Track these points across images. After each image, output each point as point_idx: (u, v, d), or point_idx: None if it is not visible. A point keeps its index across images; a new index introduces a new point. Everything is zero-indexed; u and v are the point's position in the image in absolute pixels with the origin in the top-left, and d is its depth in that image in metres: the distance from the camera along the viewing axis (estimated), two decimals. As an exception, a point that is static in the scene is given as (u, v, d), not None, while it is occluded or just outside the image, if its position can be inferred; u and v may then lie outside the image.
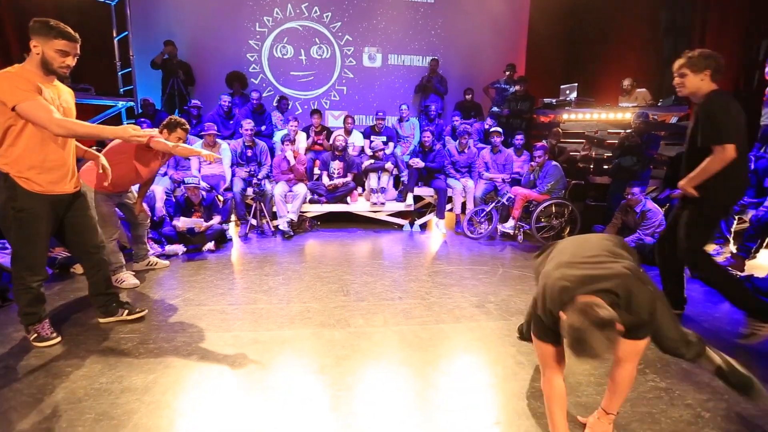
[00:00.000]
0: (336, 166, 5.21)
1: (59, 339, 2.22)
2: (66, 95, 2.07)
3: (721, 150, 2.18)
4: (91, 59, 6.09)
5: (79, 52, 1.95)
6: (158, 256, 3.73)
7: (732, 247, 4.08)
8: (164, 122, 2.98)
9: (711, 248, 4.21)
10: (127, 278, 3.08)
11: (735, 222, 4.13)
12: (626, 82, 5.95)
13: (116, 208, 3.17)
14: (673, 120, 5.89)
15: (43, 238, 2.07)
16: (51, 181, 2.01)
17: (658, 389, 1.91)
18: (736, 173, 2.25)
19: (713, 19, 5.97)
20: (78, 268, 3.35)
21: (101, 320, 2.44)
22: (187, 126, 3.04)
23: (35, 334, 2.18)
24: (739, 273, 3.34)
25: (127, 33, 5.65)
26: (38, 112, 1.80)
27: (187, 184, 4.15)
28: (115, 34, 5.77)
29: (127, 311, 2.48)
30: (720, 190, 2.28)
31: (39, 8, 5.77)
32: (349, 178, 5.21)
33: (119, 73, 5.86)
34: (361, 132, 6.06)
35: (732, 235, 4.14)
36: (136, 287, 3.06)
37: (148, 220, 3.95)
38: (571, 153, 5.62)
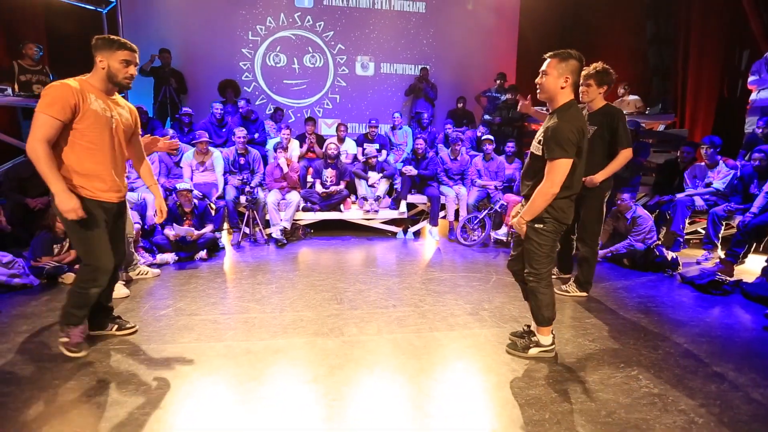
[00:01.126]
0: (329, 174, 5.21)
1: (84, 354, 2.15)
2: (123, 110, 2.16)
3: (627, 152, 2.98)
4: (82, 67, 6.09)
5: (138, 61, 2.09)
6: (149, 265, 3.67)
7: (720, 253, 4.14)
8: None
9: (700, 254, 4.29)
10: (116, 288, 3.02)
11: (723, 228, 4.20)
12: (620, 89, 6.07)
13: None
14: (661, 128, 6.01)
15: (103, 243, 2.09)
16: (100, 189, 2.06)
17: (651, 395, 1.92)
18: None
19: (696, 30, 6.13)
20: (67, 279, 3.29)
21: (90, 331, 2.39)
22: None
23: (66, 338, 2.15)
24: (728, 278, 3.39)
25: (118, 41, 5.64)
26: (36, 124, 1.86)
27: (179, 189, 4.11)
28: (106, 42, 5.76)
29: (117, 326, 2.42)
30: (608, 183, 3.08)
31: (30, 16, 5.74)
32: (342, 185, 5.21)
33: (110, 81, 5.84)
34: (354, 140, 6.08)
35: (720, 240, 4.21)
36: (127, 297, 3.01)
37: (137, 228, 3.91)
38: None
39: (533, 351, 2.24)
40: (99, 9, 5.67)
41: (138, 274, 3.42)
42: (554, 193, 1.99)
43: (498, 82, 6.77)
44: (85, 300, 2.12)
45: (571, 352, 2.32)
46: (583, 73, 2.79)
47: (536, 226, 2.11)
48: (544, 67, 2.08)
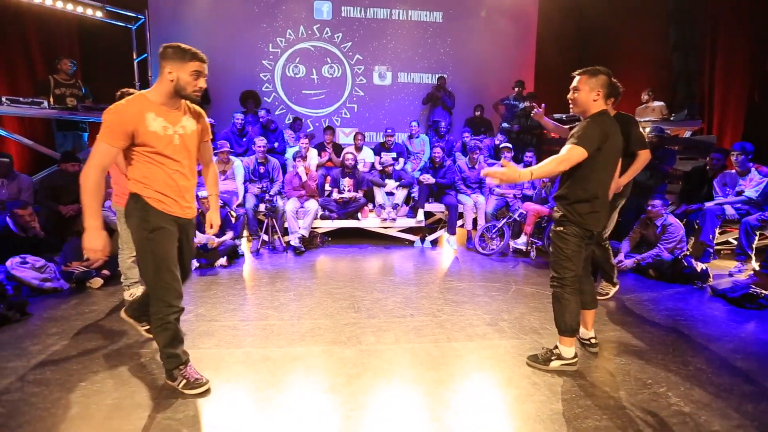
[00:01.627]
0: (346, 182, 5.25)
1: (209, 384, 1.97)
2: (188, 120, 1.98)
3: (646, 153, 2.93)
4: (112, 80, 6.37)
5: (207, 73, 1.94)
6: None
7: (755, 264, 3.96)
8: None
9: (731, 265, 4.10)
10: (140, 293, 3.11)
11: (756, 238, 4.02)
12: (645, 95, 5.93)
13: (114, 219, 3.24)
14: (687, 134, 5.83)
15: (175, 262, 1.95)
16: (174, 204, 1.95)
17: (681, 414, 1.84)
18: None
19: (723, 34, 5.96)
20: (94, 283, 3.40)
21: (127, 316, 2.33)
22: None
23: (183, 380, 1.94)
24: (764, 291, 3.23)
25: (146, 55, 5.87)
26: (93, 153, 1.79)
27: (201, 197, 4.22)
28: (135, 57, 6.00)
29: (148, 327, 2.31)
30: None
31: (65, 33, 6.06)
32: (359, 193, 5.24)
33: (138, 94, 6.10)
34: (372, 149, 6.12)
35: (754, 251, 4.02)
36: None
37: None
38: None
39: (555, 363, 2.19)
40: (129, 25, 5.94)
41: None
42: (556, 170, 2.06)
43: (516, 89, 6.72)
44: (172, 332, 1.94)
45: (595, 366, 2.25)
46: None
47: (557, 229, 2.15)
48: (574, 84, 2.17)
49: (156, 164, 1.89)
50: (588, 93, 2.12)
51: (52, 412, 1.78)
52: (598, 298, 2.78)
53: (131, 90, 2.70)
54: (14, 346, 2.37)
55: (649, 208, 3.96)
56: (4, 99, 4.44)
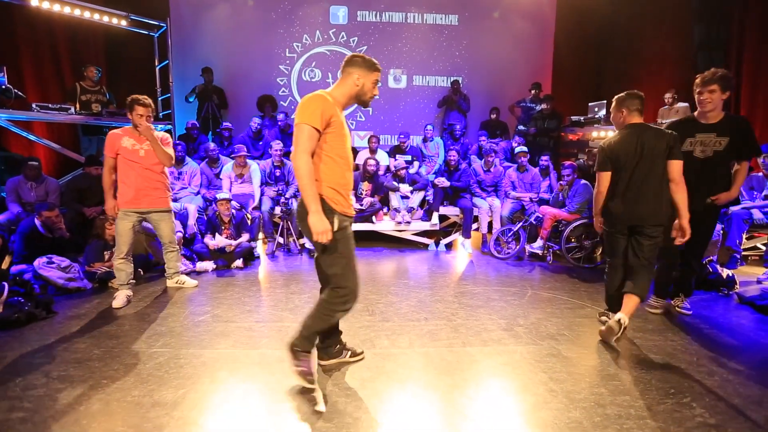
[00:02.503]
0: (365, 186, 5.27)
1: (317, 388, 1.95)
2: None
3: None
4: (134, 86, 6.56)
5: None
6: (188, 273, 3.85)
7: (784, 271, 3.80)
8: (126, 105, 3.19)
9: (760, 271, 3.94)
10: (119, 296, 3.13)
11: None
12: (668, 95, 5.78)
13: (147, 225, 3.46)
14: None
15: (356, 264, 2.00)
16: (346, 202, 1.98)
17: (707, 426, 1.77)
18: None
19: (752, 33, 5.76)
20: (115, 283, 3.50)
21: (322, 362, 2.23)
22: (144, 99, 3.16)
23: (303, 368, 1.94)
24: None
25: (167, 62, 6.04)
26: (299, 138, 1.80)
27: (219, 199, 4.30)
28: (156, 63, 6.18)
29: (350, 353, 2.29)
30: None
31: (92, 41, 6.29)
32: (375, 198, 5.24)
33: (159, 99, 6.25)
34: (387, 152, 6.13)
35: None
36: (119, 308, 3.03)
37: (179, 236, 4.10)
38: None
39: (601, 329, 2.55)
40: (151, 33, 6.12)
41: (176, 283, 3.57)
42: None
43: (533, 92, 6.64)
44: (329, 325, 1.99)
45: (614, 374, 2.19)
46: (699, 80, 2.67)
47: None
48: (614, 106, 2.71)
49: (335, 162, 1.90)
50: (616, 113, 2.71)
51: (75, 407, 1.84)
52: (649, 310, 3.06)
53: (140, 97, 3.13)
54: (40, 343, 2.46)
55: None
56: (34, 106, 4.63)
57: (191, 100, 6.43)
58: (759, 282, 3.77)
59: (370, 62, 1.94)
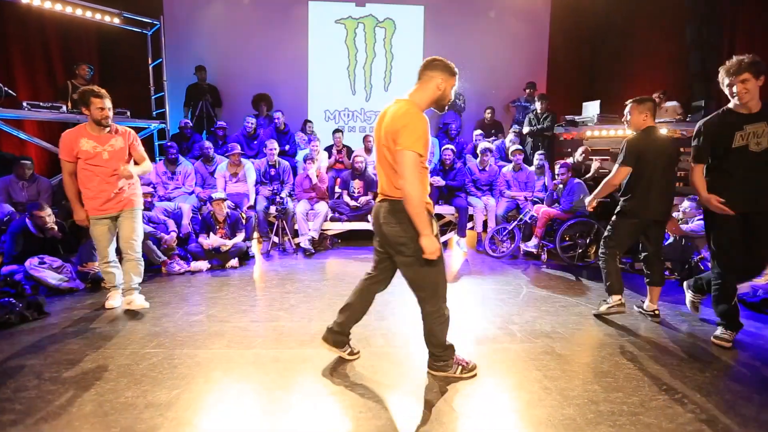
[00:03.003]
0: (356, 184, 5.27)
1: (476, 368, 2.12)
2: None
3: None
4: (128, 85, 6.51)
5: None
6: (183, 273, 3.83)
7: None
8: (78, 101, 2.78)
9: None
10: (112, 296, 3.00)
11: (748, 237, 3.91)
12: (656, 95, 5.83)
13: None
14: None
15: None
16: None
17: (698, 421, 1.79)
18: None
19: (742, 33, 5.82)
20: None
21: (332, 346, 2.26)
22: (99, 90, 2.74)
23: (459, 367, 2.09)
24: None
25: (161, 60, 5.98)
26: (410, 167, 1.80)
27: (214, 198, 4.28)
28: (150, 61, 6.12)
29: (350, 351, 2.29)
30: None
31: (83, 38, 6.22)
32: (370, 196, 5.24)
33: (152, 97, 6.19)
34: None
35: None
36: (113, 309, 2.94)
37: (173, 236, 4.07)
38: (601, 170, 5.48)
39: (603, 307, 2.92)
40: (144, 31, 6.06)
41: (127, 304, 2.95)
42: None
43: (528, 91, 6.67)
44: (448, 324, 2.04)
45: (607, 371, 2.21)
46: (725, 72, 2.45)
47: None
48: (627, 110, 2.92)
49: (424, 173, 1.92)
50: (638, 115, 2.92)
51: (67, 409, 1.82)
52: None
53: (94, 87, 2.70)
54: (32, 344, 2.43)
55: (684, 210, 3.97)
56: (25, 104, 4.57)
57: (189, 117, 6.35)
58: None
59: (451, 67, 1.95)
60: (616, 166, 2.85)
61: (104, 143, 2.78)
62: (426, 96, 1.94)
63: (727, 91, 2.48)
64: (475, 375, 2.12)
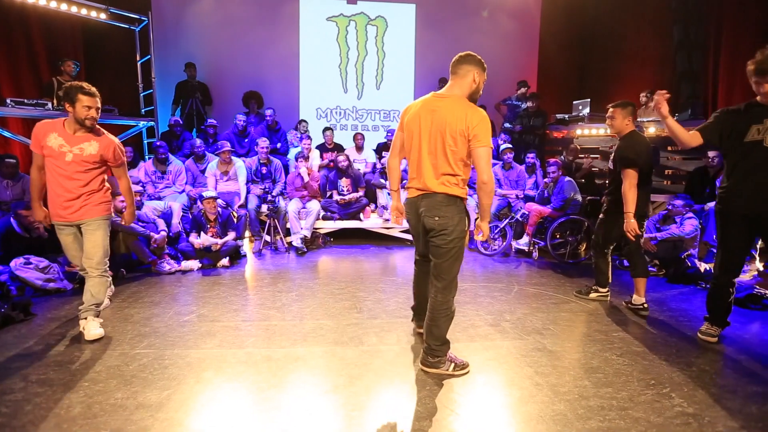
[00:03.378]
0: (344, 183, 5.25)
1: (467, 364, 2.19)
2: None
3: None
4: (115, 82, 6.39)
5: None
6: (173, 273, 3.78)
7: (759, 265, 3.93)
8: (63, 96, 2.44)
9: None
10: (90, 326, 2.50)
11: (760, 239, 4.00)
12: (642, 96, 5.91)
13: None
14: (691, 134, 5.79)
15: None
16: None
17: (685, 415, 1.83)
18: None
19: (728, 33, 5.92)
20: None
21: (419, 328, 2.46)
22: (89, 88, 2.43)
23: (452, 364, 2.14)
24: (767, 292, 3.21)
25: (149, 56, 5.89)
26: (487, 160, 1.96)
27: (205, 197, 4.23)
28: (138, 58, 6.02)
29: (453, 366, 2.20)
30: None
31: (69, 35, 6.09)
32: (360, 193, 5.24)
33: (141, 95, 6.10)
34: (374, 149, 6.12)
35: (758, 252, 4.00)
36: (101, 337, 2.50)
37: (163, 235, 4.02)
38: (593, 168, 5.56)
39: (593, 295, 3.24)
40: (132, 27, 5.96)
41: (81, 328, 2.54)
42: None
43: (519, 90, 6.71)
44: (448, 323, 2.14)
45: (597, 366, 2.24)
46: (754, 67, 2.33)
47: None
48: (610, 113, 3.00)
49: (469, 165, 2.09)
50: (622, 120, 3.01)
51: (55, 412, 1.79)
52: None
53: (83, 84, 2.43)
54: (18, 346, 2.38)
55: (669, 207, 4.02)
56: (9, 101, 4.47)
57: (177, 114, 6.27)
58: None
59: (482, 62, 2.06)
60: (626, 170, 2.85)
61: (73, 144, 2.43)
62: (465, 89, 2.03)
63: (755, 89, 2.35)
64: (467, 372, 2.15)
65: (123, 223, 2.91)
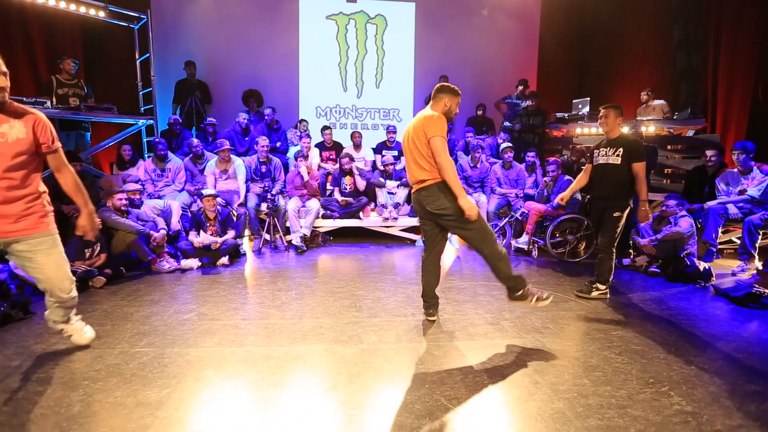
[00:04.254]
0: (347, 181, 5.26)
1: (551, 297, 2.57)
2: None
3: None
4: (114, 80, 6.38)
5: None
6: (173, 271, 3.78)
7: (758, 264, 3.95)
8: None
9: (734, 264, 4.09)
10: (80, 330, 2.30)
11: (760, 237, 4.00)
12: (643, 94, 5.91)
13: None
14: (690, 133, 5.80)
15: None
16: None
17: (684, 413, 1.83)
18: None
19: (727, 32, 5.92)
20: (97, 282, 3.42)
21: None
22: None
23: (534, 297, 2.53)
24: (767, 291, 3.21)
25: (148, 55, 5.88)
26: (442, 149, 2.44)
27: (205, 195, 4.23)
28: (137, 56, 6.01)
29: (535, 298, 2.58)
30: None
31: (68, 33, 6.08)
32: (362, 186, 5.23)
33: (140, 93, 6.09)
34: (373, 148, 6.12)
35: (757, 250, 4.01)
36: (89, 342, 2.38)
37: (163, 233, 4.01)
38: None
39: (594, 293, 3.28)
40: (131, 25, 5.95)
41: (63, 333, 2.30)
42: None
43: (519, 88, 6.70)
44: (507, 263, 2.53)
45: (596, 365, 2.24)
46: None
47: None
48: (604, 113, 3.22)
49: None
50: (614, 120, 3.21)
51: (55, 410, 1.79)
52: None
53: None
54: (17, 344, 2.39)
55: (663, 207, 4.02)
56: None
57: (177, 113, 6.26)
58: (734, 274, 3.91)
59: (455, 89, 2.59)
60: (636, 164, 3.11)
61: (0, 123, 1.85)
62: (438, 110, 2.58)
63: None
64: (548, 302, 2.55)
65: (80, 233, 2.14)
